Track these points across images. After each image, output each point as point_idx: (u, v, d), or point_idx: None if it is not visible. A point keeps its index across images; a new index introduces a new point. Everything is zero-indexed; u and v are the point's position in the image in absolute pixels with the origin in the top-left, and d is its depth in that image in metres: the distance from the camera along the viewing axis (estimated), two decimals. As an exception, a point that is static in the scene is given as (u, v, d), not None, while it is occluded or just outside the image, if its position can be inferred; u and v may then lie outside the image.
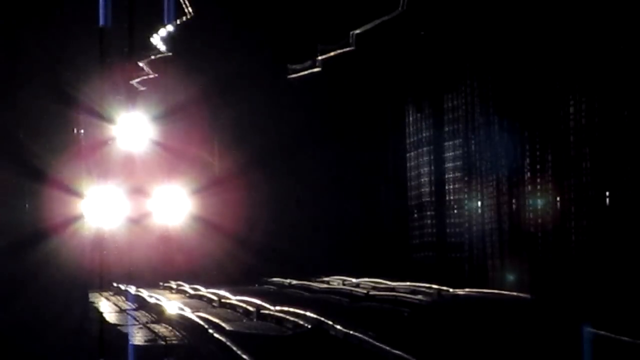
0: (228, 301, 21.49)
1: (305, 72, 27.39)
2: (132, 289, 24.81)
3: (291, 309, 17.78)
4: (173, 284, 26.76)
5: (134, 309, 20.70)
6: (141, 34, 27.24)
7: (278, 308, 18.40)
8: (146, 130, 28.88)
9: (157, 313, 19.15)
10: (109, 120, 27.82)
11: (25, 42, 23.29)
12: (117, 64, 26.96)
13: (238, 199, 28.47)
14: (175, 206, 29.50)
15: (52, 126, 24.25)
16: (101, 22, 23.97)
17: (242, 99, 28.64)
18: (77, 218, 25.97)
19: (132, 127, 28.80)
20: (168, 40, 27.73)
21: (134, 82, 28.76)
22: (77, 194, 25.70)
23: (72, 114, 25.64)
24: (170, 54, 28.11)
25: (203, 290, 24.38)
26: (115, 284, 26.62)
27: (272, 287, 26.36)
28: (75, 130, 25.81)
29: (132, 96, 28.89)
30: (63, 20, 24.04)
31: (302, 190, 28.64)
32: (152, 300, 21.14)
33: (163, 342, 15.83)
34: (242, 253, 27.61)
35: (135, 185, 29.03)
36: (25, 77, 23.02)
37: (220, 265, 28.06)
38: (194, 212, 29.34)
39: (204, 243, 28.70)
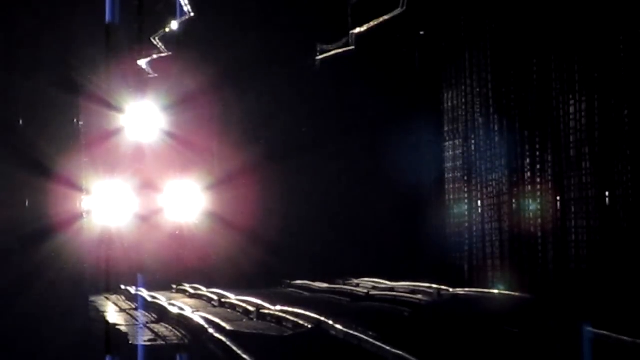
0: (228, 301, 21.52)
1: (312, 68, 27.25)
2: (145, 294, 24.03)
3: (291, 309, 17.80)
4: (189, 289, 25.85)
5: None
6: (151, 27, 26.87)
7: (278, 308, 18.42)
8: (157, 120, 27.56)
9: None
10: (117, 109, 26.60)
11: (30, 29, 22.83)
12: (126, 54, 26.27)
13: (256, 194, 27.33)
14: (188, 202, 28.17)
15: (56, 116, 23.46)
16: (108, 18, 23.77)
17: (259, 91, 28.07)
18: (82, 215, 25.22)
19: (142, 117, 27.42)
20: (179, 30, 27.15)
21: (144, 65, 27.80)
22: (82, 190, 24.99)
23: (78, 104, 24.84)
24: (179, 47, 27.47)
25: (204, 290, 24.35)
26: (123, 287, 26.16)
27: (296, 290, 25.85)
28: (80, 121, 24.98)
29: (142, 85, 27.81)
30: (70, 8, 23.64)
31: (322, 187, 27.97)
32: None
33: (163, 342, 15.86)
34: (260, 253, 26.85)
35: (144, 179, 27.69)
36: (28, 64, 22.45)
37: (236, 265, 27.23)
38: (208, 208, 28.09)
39: (219, 241, 27.82)
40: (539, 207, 20.69)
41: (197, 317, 17.54)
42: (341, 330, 14.94)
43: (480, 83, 22.97)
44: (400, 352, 12.53)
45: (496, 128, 22.33)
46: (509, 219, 21.76)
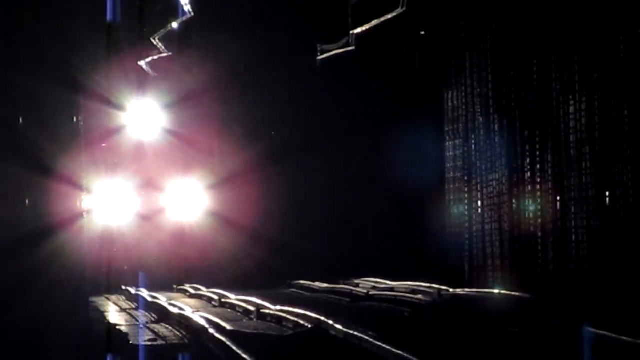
0: (228, 301, 21.54)
1: (313, 68, 27.22)
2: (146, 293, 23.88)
3: (291, 309, 17.81)
4: (190, 289, 25.73)
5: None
6: (151, 27, 26.80)
7: (278, 308, 18.43)
8: (158, 119, 27.38)
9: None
10: (118, 107, 26.43)
11: (30, 27, 22.65)
12: (126, 53, 26.11)
13: (257, 194, 27.16)
14: (190, 201, 27.95)
15: (56, 115, 23.22)
16: (109, 17, 23.72)
17: (260, 90, 27.95)
18: (83, 215, 24.99)
19: (144, 115, 27.21)
20: (179, 30, 27.04)
21: (145, 65, 27.60)
22: (83, 189, 24.76)
23: (78, 102, 24.59)
24: (179, 47, 27.32)
25: (204, 290, 24.31)
26: (123, 287, 26.09)
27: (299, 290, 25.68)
28: (81, 120, 24.72)
29: (143, 83, 27.54)
30: (71, 7, 23.49)
31: (323, 186, 27.81)
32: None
33: (163, 342, 15.89)
34: (261, 252, 26.65)
35: (146, 178, 27.51)
36: (28, 62, 22.26)
37: (237, 265, 27.06)
38: (210, 207, 27.90)
39: (221, 241, 27.69)
40: (539, 207, 20.70)
41: (197, 317, 17.57)
42: (341, 330, 14.96)
43: (481, 83, 22.97)
44: (401, 352, 12.55)
45: (496, 128, 22.34)
46: (509, 219, 21.76)
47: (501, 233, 22.10)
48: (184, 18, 26.78)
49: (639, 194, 17.77)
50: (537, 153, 20.68)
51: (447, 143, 24.66)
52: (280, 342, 15.65)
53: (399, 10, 23.30)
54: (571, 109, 19.58)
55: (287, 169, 27.86)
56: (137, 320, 19.49)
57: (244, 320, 18.72)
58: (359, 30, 24.94)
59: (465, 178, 23.80)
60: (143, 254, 27.17)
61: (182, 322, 17.93)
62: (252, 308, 19.38)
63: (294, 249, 26.44)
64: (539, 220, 20.63)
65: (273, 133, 28.42)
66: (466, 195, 23.73)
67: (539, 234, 20.62)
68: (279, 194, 27.97)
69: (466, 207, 23.70)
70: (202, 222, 28.13)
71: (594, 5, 18.82)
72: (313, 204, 27.89)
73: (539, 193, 20.71)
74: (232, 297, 21.69)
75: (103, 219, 26.90)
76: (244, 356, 13.30)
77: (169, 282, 26.93)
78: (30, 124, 21.85)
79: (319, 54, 26.65)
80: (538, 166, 20.70)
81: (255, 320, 18.60)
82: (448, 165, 24.70)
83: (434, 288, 21.05)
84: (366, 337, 13.91)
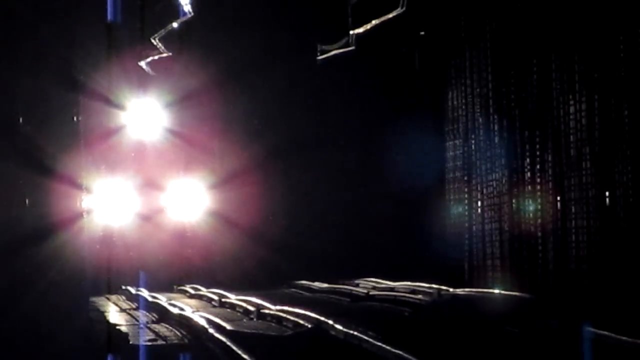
0: (228, 301, 21.55)
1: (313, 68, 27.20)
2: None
3: (291, 309, 17.82)
4: (190, 289, 25.56)
5: None
6: (151, 27, 26.79)
7: (278, 308, 18.44)
8: (159, 118, 27.28)
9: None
10: (119, 107, 26.37)
11: (31, 26, 22.58)
12: (127, 52, 26.06)
13: (258, 194, 27.15)
14: (191, 201, 27.87)
15: (56, 114, 23.13)
16: (109, 17, 23.72)
17: (260, 90, 27.93)
18: (83, 214, 24.92)
19: (144, 114, 27.12)
20: (179, 30, 27.02)
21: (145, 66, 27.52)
22: (83, 188, 24.69)
23: (79, 101, 24.46)
24: (179, 47, 27.28)
25: (204, 290, 24.31)
26: (123, 287, 26.02)
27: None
28: (81, 119, 24.60)
29: (143, 82, 27.46)
30: (71, 6, 23.44)
31: (323, 187, 27.76)
32: None
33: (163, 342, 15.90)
34: (262, 252, 26.63)
35: (146, 178, 27.38)
36: (28, 62, 22.17)
37: (238, 265, 27.00)
38: (212, 207, 27.80)
39: (222, 241, 27.69)
40: (539, 207, 20.71)
41: (198, 317, 17.57)
42: (341, 330, 14.97)
43: (481, 83, 22.98)
44: (401, 352, 12.56)
45: (496, 128, 22.35)
46: (509, 219, 21.76)
47: (501, 233, 22.10)
48: (184, 18, 26.78)
49: (639, 194, 17.77)
50: (537, 153, 20.68)
51: (447, 143, 24.65)
52: (280, 342, 15.66)
53: (398, 10, 23.32)
54: (571, 109, 19.58)
55: (287, 169, 27.87)
56: (137, 320, 19.49)
57: (244, 320, 18.73)
58: (359, 30, 24.95)
59: (465, 178, 23.80)
60: (143, 254, 27.11)
61: (182, 322, 17.93)
62: (252, 308, 19.38)
63: (295, 249, 26.43)
64: (539, 221, 20.63)
65: (259, 127, 28.31)
66: (466, 195, 23.72)
67: (539, 234, 20.61)
68: (279, 194, 27.95)
69: (466, 207, 23.69)
70: (202, 222, 28.11)
71: (594, 5, 18.83)
72: (313, 204, 27.87)
73: (539, 193, 20.71)
74: (232, 297, 21.69)
75: (103, 219, 26.81)
76: (244, 356, 13.30)
77: (169, 282, 26.91)
78: (30, 124, 21.82)
79: (319, 54, 26.66)
80: (538, 166, 20.70)
81: (255, 320, 18.61)
82: (448, 165, 24.68)
83: (434, 288, 21.05)
84: (366, 337, 13.91)
